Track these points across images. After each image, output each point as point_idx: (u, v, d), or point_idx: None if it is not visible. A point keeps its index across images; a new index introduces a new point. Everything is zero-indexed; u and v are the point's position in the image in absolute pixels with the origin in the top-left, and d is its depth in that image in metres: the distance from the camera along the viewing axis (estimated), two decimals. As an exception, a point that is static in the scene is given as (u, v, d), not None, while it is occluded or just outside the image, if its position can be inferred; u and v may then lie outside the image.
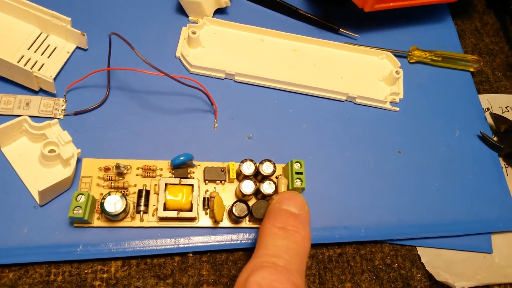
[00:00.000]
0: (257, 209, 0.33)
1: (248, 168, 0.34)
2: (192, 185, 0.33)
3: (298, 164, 0.35)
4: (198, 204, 0.34)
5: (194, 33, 0.40)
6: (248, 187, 0.34)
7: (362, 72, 0.44)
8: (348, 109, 0.42)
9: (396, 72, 0.42)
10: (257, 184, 0.34)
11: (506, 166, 0.43)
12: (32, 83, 0.36)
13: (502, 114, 0.46)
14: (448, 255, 0.37)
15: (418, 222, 0.38)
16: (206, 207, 0.34)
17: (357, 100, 0.42)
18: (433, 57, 0.45)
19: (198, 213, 0.34)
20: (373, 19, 0.46)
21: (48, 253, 0.31)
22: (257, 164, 0.35)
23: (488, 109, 0.46)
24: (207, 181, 0.35)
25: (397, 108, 0.42)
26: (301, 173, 0.35)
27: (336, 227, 0.36)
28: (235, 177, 0.35)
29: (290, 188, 0.34)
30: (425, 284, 0.36)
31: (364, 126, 0.41)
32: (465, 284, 0.36)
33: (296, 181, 0.34)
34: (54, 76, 0.37)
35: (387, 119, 0.42)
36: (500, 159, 0.43)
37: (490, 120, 0.44)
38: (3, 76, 0.36)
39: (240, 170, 0.34)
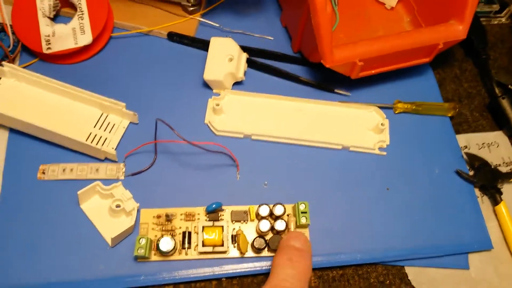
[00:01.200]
0: (272, 242, 0.43)
1: (264, 211, 0.45)
2: (222, 226, 0.44)
3: (303, 205, 0.45)
4: (228, 240, 0.44)
5: (217, 105, 0.52)
6: (264, 225, 0.44)
7: (354, 124, 0.53)
8: (344, 155, 0.52)
9: (382, 124, 0.52)
10: (272, 222, 0.44)
11: (482, 195, 0.51)
12: (100, 155, 0.48)
13: (478, 150, 0.54)
14: (431, 273, 0.46)
15: (405, 246, 0.46)
16: (234, 242, 0.44)
17: (351, 148, 0.52)
18: (414, 107, 0.55)
19: (228, 247, 0.44)
20: (361, 80, 0.55)
21: (119, 282, 0.42)
22: (271, 207, 0.45)
23: (466, 146, 0.55)
24: (233, 221, 0.46)
25: (385, 153, 0.52)
26: (305, 212, 0.45)
27: (338, 253, 0.45)
28: (254, 217, 0.45)
29: (298, 224, 0.44)
30: (411, 296, 0.45)
31: (357, 169, 0.51)
32: (445, 296, 0.44)
33: (302, 219, 0.44)
34: (115, 147, 0.49)
35: (377, 162, 0.51)
36: (476, 190, 0.51)
37: (466, 157, 0.53)
38: (77, 150, 0.48)
39: (258, 212, 0.45)
